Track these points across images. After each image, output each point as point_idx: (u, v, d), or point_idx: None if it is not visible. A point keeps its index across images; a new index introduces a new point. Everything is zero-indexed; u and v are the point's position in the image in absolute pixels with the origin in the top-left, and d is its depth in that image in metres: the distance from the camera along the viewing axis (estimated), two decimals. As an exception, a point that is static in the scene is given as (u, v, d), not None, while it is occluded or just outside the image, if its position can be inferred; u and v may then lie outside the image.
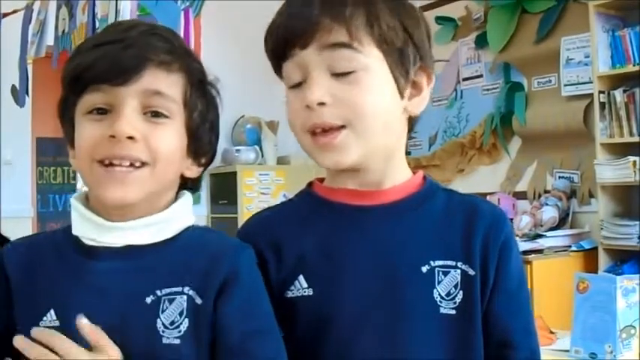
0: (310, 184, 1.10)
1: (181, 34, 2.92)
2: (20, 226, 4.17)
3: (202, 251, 0.98)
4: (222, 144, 5.21)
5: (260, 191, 5.00)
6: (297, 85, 0.99)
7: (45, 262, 0.99)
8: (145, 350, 0.92)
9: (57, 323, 0.94)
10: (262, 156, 5.16)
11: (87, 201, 1.01)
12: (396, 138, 1.03)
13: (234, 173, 4.99)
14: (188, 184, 1.06)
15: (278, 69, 1.02)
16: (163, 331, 0.93)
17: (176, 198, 1.03)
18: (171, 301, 0.94)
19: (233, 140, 5.31)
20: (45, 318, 0.95)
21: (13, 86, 3.60)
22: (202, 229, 1.05)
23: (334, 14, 0.95)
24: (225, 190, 5.07)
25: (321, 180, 1.09)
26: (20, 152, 4.52)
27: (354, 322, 0.98)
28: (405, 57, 1.00)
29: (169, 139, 0.97)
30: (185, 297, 0.94)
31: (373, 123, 0.97)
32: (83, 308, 0.93)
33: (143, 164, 0.95)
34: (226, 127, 5.30)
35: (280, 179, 5.04)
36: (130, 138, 0.93)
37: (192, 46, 3.01)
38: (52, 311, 0.95)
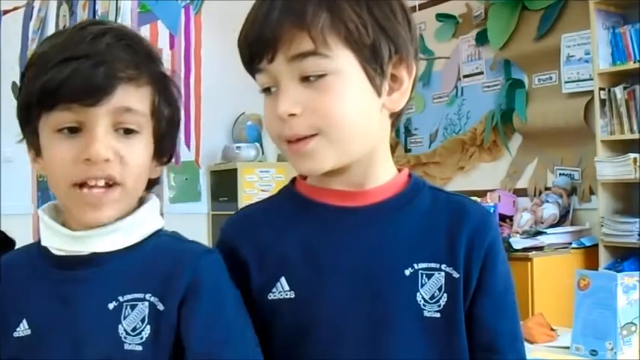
0: (293, 181, 1.07)
1: (182, 32, 2.93)
2: (20, 223, 4.16)
3: (166, 257, 0.98)
4: (223, 141, 5.22)
5: (260, 188, 5.01)
6: (270, 90, 0.97)
7: (18, 274, 1.00)
8: (108, 357, 0.93)
9: (28, 332, 0.96)
10: (263, 153, 5.16)
11: (55, 211, 1.02)
12: (375, 138, 0.99)
13: (235, 170, 5.00)
14: (150, 181, 1.06)
15: (252, 76, 1.00)
16: (125, 338, 0.93)
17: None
18: (133, 307, 0.95)
19: (234, 137, 5.31)
20: (18, 328, 0.96)
21: (14, 83, 3.60)
22: (169, 236, 1.04)
23: (295, 20, 0.91)
24: (225, 187, 5.07)
25: (305, 177, 1.06)
26: (20, 149, 4.51)
27: (335, 326, 0.96)
28: (378, 53, 0.94)
29: (141, 155, 0.98)
30: (147, 303, 0.95)
31: (346, 129, 0.94)
32: (51, 317, 0.95)
33: (115, 184, 0.95)
34: (227, 125, 5.31)
35: (281, 176, 5.04)
36: (106, 160, 0.93)
37: (192, 43, 3.01)
38: (24, 321, 0.96)
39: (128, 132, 0.96)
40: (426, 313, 0.97)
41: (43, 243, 1.00)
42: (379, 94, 0.96)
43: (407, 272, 0.97)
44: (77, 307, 0.95)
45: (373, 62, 0.95)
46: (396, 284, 0.97)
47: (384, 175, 1.02)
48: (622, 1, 3.82)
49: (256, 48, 0.94)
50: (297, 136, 0.94)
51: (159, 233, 1.02)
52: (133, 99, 0.96)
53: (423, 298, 0.97)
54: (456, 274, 0.98)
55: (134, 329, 0.94)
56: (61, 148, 0.95)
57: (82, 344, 0.93)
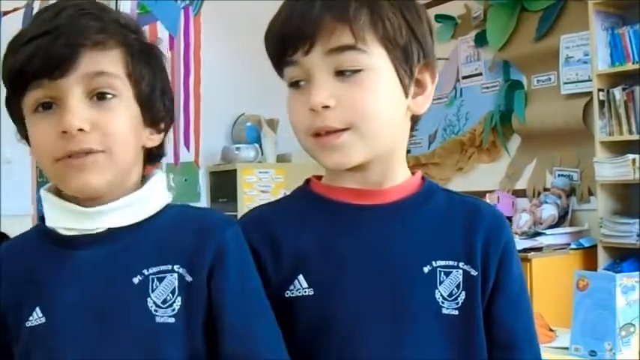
0: (307, 182, 1.09)
1: (181, 33, 2.93)
2: (20, 223, 4.17)
3: (187, 227, 0.98)
4: (223, 142, 5.22)
5: (260, 189, 5.00)
6: (299, 84, 0.98)
7: (23, 260, 0.98)
8: (139, 331, 0.92)
9: (43, 320, 0.93)
10: (262, 154, 5.16)
11: (58, 192, 0.99)
12: (398, 137, 1.02)
13: (234, 171, 4.99)
14: (153, 151, 1.04)
15: (279, 70, 1.00)
16: (156, 310, 0.92)
17: (144, 173, 1.03)
18: (160, 279, 0.94)
19: (233, 138, 5.30)
20: (31, 317, 0.93)
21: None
22: (182, 206, 1.04)
23: (338, 14, 0.93)
24: (225, 188, 5.07)
25: (319, 177, 1.08)
26: (20, 150, 4.51)
27: (354, 323, 0.97)
28: (409, 55, 0.98)
29: (121, 119, 0.95)
30: (176, 275, 0.94)
31: (377, 125, 0.96)
32: (68, 300, 0.92)
33: (97, 152, 0.93)
34: (226, 125, 5.30)
35: (280, 177, 5.04)
36: (81, 130, 0.91)
37: (191, 44, 3.01)
38: (37, 309, 0.93)
39: (103, 97, 0.94)
40: (444, 311, 0.98)
41: (50, 224, 0.98)
42: (406, 94, 1.00)
43: (425, 270, 0.99)
44: (98, 286, 0.93)
45: (404, 63, 0.98)
46: (414, 282, 0.98)
47: (399, 176, 1.04)
48: (621, 1, 3.82)
49: (293, 40, 0.95)
50: (330, 128, 0.95)
51: (169, 206, 1.01)
52: (103, 62, 0.94)
53: (441, 295, 0.98)
54: (473, 272, 1.00)
55: (165, 301, 0.93)
56: (39, 126, 0.94)
57: (109, 323, 0.91)
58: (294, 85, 0.98)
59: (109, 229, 0.96)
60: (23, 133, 1.00)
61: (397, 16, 0.97)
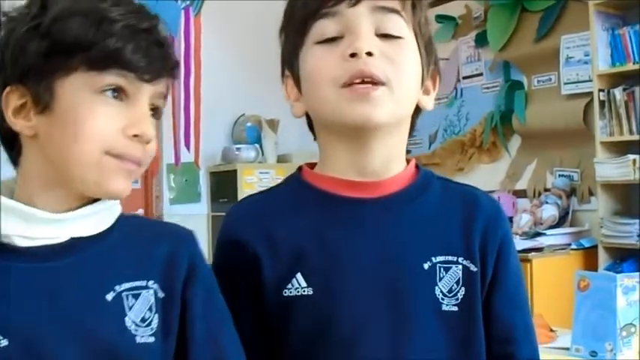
0: (300, 169, 1.06)
1: (182, 33, 2.93)
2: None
3: (157, 240, 0.93)
4: (223, 142, 5.22)
5: (260, 189, 5.00)
6: (330, 41, 0.96)
7: None
8: (117, 352, 0.85)
9: (5, 343, 0.81)
10: (262, 154, 5.16)
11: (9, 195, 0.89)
12: (407, 121, 1.03)
13: (235, 171, 4.99)
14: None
15: (303, 27, 0.98)
16: (136, 330, 0.87)
17: None
18: (136, 296, 0.88)
19: (233, 139, 5.31)
20: None
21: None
22: (132, 217, 0.97)
23: None
24: (225, 188, 5.07)
25: (311, 166, 1.05)
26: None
27: (355, 322, 0.95)
28: (429, 51, 1.02)
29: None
30: (152, 291, 0.89)
31: (408, 90, 0.98)
32: (34, 319, 0.83)
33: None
34: (227, 126, 5.31)
35: (280, 177, 4.95)
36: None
37: (192, 44, 3.01)
38: None
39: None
40: (444, 307, 0.97)
41: (6, 232, 0.85)
42: (422, 84, 1.02)
43: (426, 266, 0.97)
44: (67, 302, 0.85)
45: (426, 56, 1.02)
46: (415, 279, 0.97)
47: (397, 166, 1.03)
48: (621, 2, 3.82)
49: None
50: (372, 75, 0.94)
51: (122, 216, 0.94)
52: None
53: (441, 291, 0.97)
54: (473, 268, 0.99)
55: (143, 320, 0.87)
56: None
57: (87, 342, 0.84)
58: (323, 42, 0.97)
59: (71, 238, 0.87)
60: (40, 96, 0.86)
61: (426, 14, 1.02)
